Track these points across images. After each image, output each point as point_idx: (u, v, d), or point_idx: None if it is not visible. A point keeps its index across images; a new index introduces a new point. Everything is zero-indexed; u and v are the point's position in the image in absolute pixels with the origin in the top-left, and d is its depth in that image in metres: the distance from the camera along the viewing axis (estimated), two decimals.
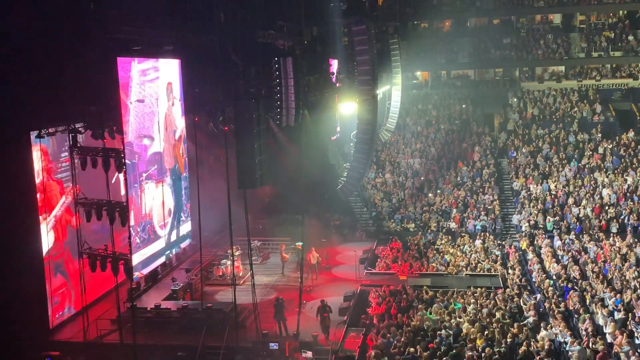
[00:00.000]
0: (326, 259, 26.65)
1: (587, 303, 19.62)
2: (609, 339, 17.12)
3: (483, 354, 15.74)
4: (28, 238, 18.38)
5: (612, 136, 35.42)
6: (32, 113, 17.04)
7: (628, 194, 30.17)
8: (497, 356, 15.54)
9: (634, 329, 17.02)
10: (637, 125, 36.35)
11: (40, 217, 18.94)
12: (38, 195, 18.66)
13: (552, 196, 31.05)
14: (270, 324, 19.63)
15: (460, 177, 34.07)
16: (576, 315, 18.79)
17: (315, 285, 23.95)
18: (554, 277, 22.47)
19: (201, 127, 23.51)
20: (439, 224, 30.79)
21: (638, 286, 20.19)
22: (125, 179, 18.01)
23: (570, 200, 30.38)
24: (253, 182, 19.83)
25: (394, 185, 34.27)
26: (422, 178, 34.41)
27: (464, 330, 17.40)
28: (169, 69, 21.48)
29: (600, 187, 31.03)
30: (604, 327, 17.80)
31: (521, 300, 19.99)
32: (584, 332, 17.42)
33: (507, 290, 21.33)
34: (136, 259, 19.10)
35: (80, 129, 18.13)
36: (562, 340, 16.94)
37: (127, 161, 17.90)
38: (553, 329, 17.48)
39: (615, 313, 18.39)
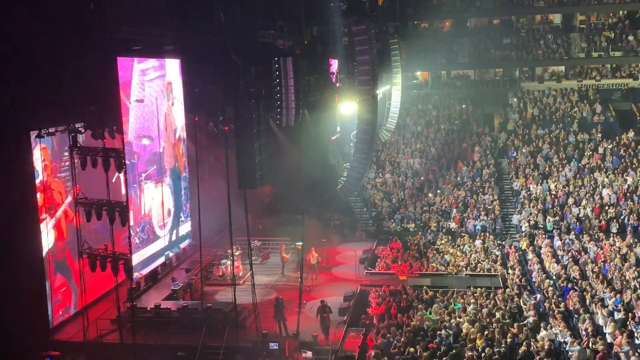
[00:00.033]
0: (326, 259, 26.64)
1: (587, 303, 19.62)
2: (608, 339, 17.12)
3: (483, 354, 15.75)
4: (28, 238, 18.35)
5: (612, 136, 35.42)
6: (32, 113, 17.05)
7: (628, 194, 30.17)
8: (497, 356, 15.55)
9: (633, 329, 17.02)
10: (637, 125, 36.34)
11: (46, 215, 18.97)
12: (39, 195, 18.66)
13: (552, 196, 31.06)
14: (270, 324, 19.63)
15: (460, 177, 34.07)
16: (576, 315, 18.79)
17: (315, 285, 23.95)
18: (554, 277, 22.48)
19: (201, 127, 23.53)
20: (439, 224, 30.79)
21: (638, 286, 20.19)
22: (126, 179, 18.01)
23: (570, 200, 30.38)
24: (253, 182, 19.84)
25: (394, 185, 34.27)
26: (422, 178, 34.41)
27: (464, 330, 17.40)
28: (169, 69, 21.49)
29: (600, 187, 31.03)
30: (603, 327, 17.80)
31: (521, 300, 20.00)
32: (583, 332, 17.42)
33: (507, 290, 21.34)
34: (135, 259, 19.11)
35: (80, 128, 18.14)
36: (562, 340, 16.94)
37: (126, 161, 17.90)
38: (553, 329, 17.48)
39: (615, 313, 18.39)
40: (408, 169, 35.22)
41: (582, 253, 25.04)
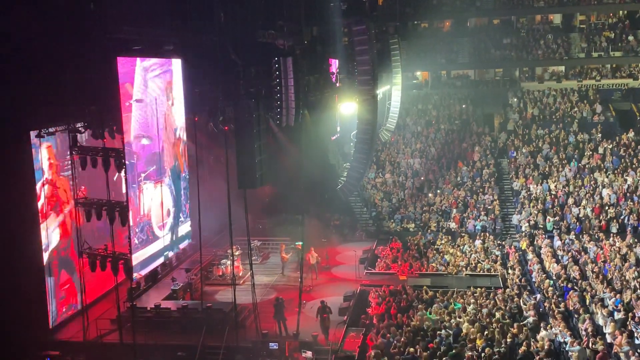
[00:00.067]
0: (326, 259, 26.65)
1: (587, 303, 19.62)
2: (608, 339, 17.12)
3: (483, 354, 15.75)
4: (28, 238, 18.37)
5: (612, 136, 35.42)
6: (32, 113, 17.05)
7: (628, 194, 30.17)
8: (496, 356, 15.54)
9: (633, 329, 17.02)
10: (637, 125, 36.35)
11: (51, 213, 19.03)
12: (44, 192, 18.74)
13: (552, 196, 31.06)
14: (270, 324, 19.63)
15: (460, 177, 34.07)
16: (576, 316, 18.79)
17: (315, 285, 23.95)
18: (554, 277, 22.47)
19: (201, 127, 23.52)
20: (439, 224, 30.79)
21: (638, 286, 20.19)
22: (126, 179, 18.02)
23: (570, 201, 30.38)
24: (253, 182, 19.85)
25: (394, 185, 34.27)
26: (422, 178, 34.41)
27: (464, 330, 17.40)
28: (169, 69, 21.49)
29: (600, 187, 31.03)
30: (603, 327, 17.80)
31: (521, 300, 19.99)
32: (583, 332, 17.42)
33: (507, 290, 21.33)
34: (134, 259, 19.09)
35: (80, 128, 18.15)
36: (561, 340, 16.94)
37: (126, 161, 17.90)
38: (553, 329, 17.48)
39: (615, 313, 18.39)
40: (408, 169, 35.23)
41: (582, 253, 25.04)
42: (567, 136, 35.67)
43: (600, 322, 18.07)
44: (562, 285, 21.32)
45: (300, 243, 22.79)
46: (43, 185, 18.71)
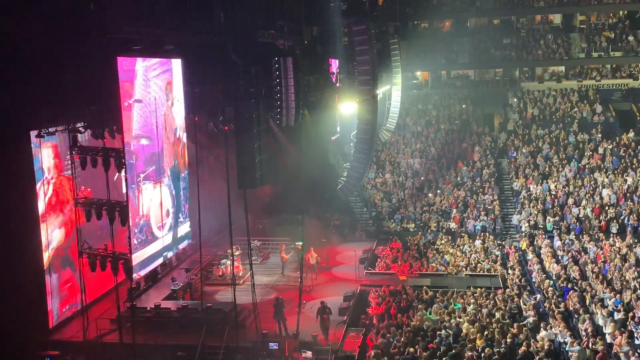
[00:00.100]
0: (326, 259, 26.64)
1: (587, 303, 19.63)
2: (608, 339, 17.13)
3: (483, 354, 15.75)
4: (28, 238, 18.38)
5: (612, 136, 35.43)
6: (32, 113, 17.04)
7: (628, 195, 30.17)
8: (496, 356, 15.54)
9: (633, 329, 17.03)
10: (637, 125, 36.36)
11: (55, 212, 19.06)
12: (47, 191, 18.72)
13: (552, 196, 31.06)
14: (270, 324, 19.63)
15: (460, 177, 34.07)
16: (576, 316, 18.79)
17: (315, 285, 23.95)
18: (554, 278, 22.48)
19: (201, 127, 23.51)
20: (439, 224, 30.79)
21: (638, 286, 20.20)
22: (126, 178, 18.02)
23: (570, 201, 30.38)
24: (253, 182, 19.85)
25: (394, 185, 34.27)
26: (422, 178, 34.41)
27: (464, 331, 17.41)
28: (169, 68, 21.47)
29: (600, 187, 31.03)
30: (603, 327, 17.81)
31: (521, 301, 19.99)
32: (583, 333, 17.43)
33: (507, 290, 21.34)
34: (133, 260, 19.07)
35: (80, 128, 18.15)
36: (561, 340, 16.95)
37: (125, 161, 17.90)
38: (553, 329, 17.48)
39: (615, 313, 18.40)
40: (408, 169, 35.23)
41: (582, 253, 25.04)
42: (567, 136, 35.68)
43: (600, 322, 18.08)
44: (562, 285, 21.33)
45: (300, 243, 22.80)
46: (46, 183, 18.75)
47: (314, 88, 23.85)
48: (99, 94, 17.19)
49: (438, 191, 33.05)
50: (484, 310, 18.76)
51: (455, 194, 32.51)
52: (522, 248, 27.23)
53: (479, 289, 20.98)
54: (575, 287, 21.06)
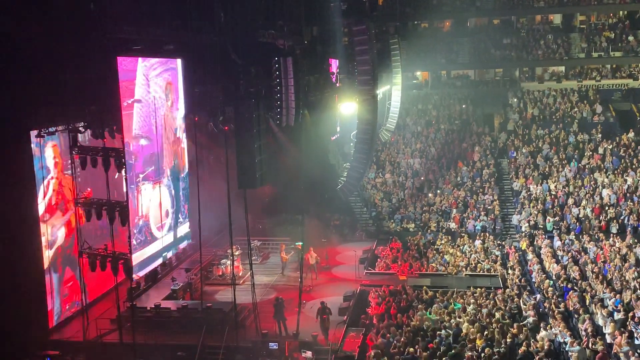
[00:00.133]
0: (326, 259, 26.65)
1: (587, 303, 19.62)
2: (608, 339, 17.14)
3: (483, 354, 15.75)
4: (28, 238, 18.38)
5: (612, 136, 35.43)
6: (32, 113, 17.06)
7: (628, 195, 30.17)
8: (496, 356, 15.54)
9: (633, 330, 17.03)
10: (637, 125, 36.35)
11: (58, 211, 19.09)
12: (50, 190, 18.71)
13: (552, 196, 31.06)
14: (270, 324, 19.63)
15: (460, 177, 34.07)
16: (576, 316, 18.79)
17: (315, 285, 23.95)
18: (554, 278, 22.48)
19: (201, 127, 23.51)
20: (439, 224, 30.79)
21: (637, 286, 20.20)
22: (126, 178, 18.02)
23: (570, 201, 30.38)
24: (253, 182, 19.85)
25: (394, 185, 34.27)
26: (422, 178, 34.41)
27: (464, 331, 17.41)
28: (169, 67, 21.48)
29: (600, 187, 31.03)
30: (603, 327, 17.81)
31: (521, 301, 20.00)
32: (583, 333, 17.43)
33: (507, 290, 21.33)
34: (133, 260, 19.08)
35: (80, 128, 18.15)
36: (561, 340, 16.95)
37: (125, 161, 17.90)
38: (553, 329, 17.48)
39: (615, 313, 18.41)
40: (408, 169, 35.23)
41: (582, 253, 25.04)
42: (567, 136, 35.67)
43: (600, 322, 18.08)
44: (562, 285, 21.33)
45: (300, 243, 22.79)
46: (47, 183, 18.76)
47: (314, 88, 23.85)
48: (99, 94, 17.20)
49: (438, 191, 33.05)
50: (484, 310, 18.75)
51: (455, 194, 32.51)
52: (522, 248, 27.23)
53: (479, 289, 20.98)
54: (575, 287, 21.06)
